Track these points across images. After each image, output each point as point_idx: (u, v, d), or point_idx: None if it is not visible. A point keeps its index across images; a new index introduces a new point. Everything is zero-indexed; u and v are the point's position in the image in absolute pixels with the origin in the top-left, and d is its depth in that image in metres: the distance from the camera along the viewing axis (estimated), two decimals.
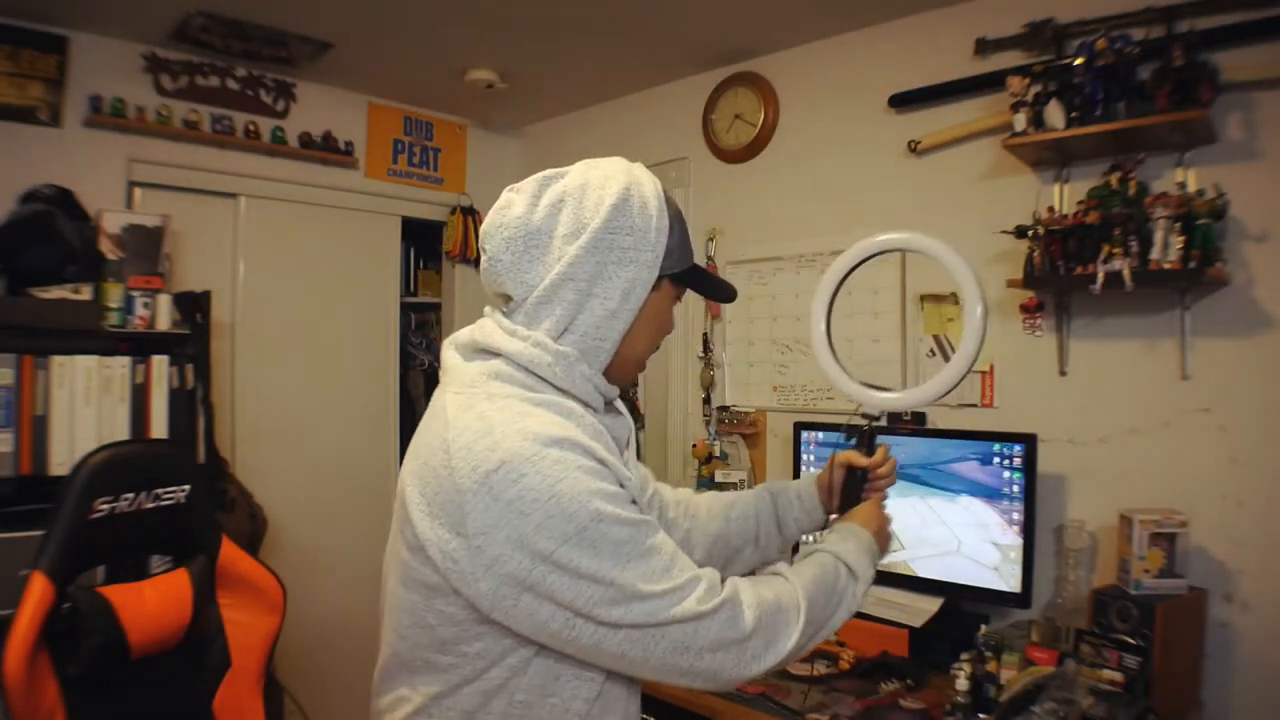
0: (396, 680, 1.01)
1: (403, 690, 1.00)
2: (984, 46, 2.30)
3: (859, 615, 2.17)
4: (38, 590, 1.34)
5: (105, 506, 1.46)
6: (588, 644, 0.91)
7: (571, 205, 0.99)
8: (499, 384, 0.96)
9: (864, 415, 1.30)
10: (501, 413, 0.92)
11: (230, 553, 1.68)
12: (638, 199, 1.00)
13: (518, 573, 0.88)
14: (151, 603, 1.50)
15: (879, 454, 1.28)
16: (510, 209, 1.00)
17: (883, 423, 1.33)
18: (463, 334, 1.04)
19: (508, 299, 1.02)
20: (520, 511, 0.87)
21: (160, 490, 1.56)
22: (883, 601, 2.19)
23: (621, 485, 0.95)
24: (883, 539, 1.19)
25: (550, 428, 0.91)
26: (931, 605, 2.12)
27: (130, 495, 1.50)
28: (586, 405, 1.01)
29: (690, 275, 1.07)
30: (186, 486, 1.61)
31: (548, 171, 1.03)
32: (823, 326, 1.41)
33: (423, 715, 0.97)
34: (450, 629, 0.94)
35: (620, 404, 1.12)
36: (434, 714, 0.97)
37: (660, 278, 1.02)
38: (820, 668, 2.05)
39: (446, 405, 0.96)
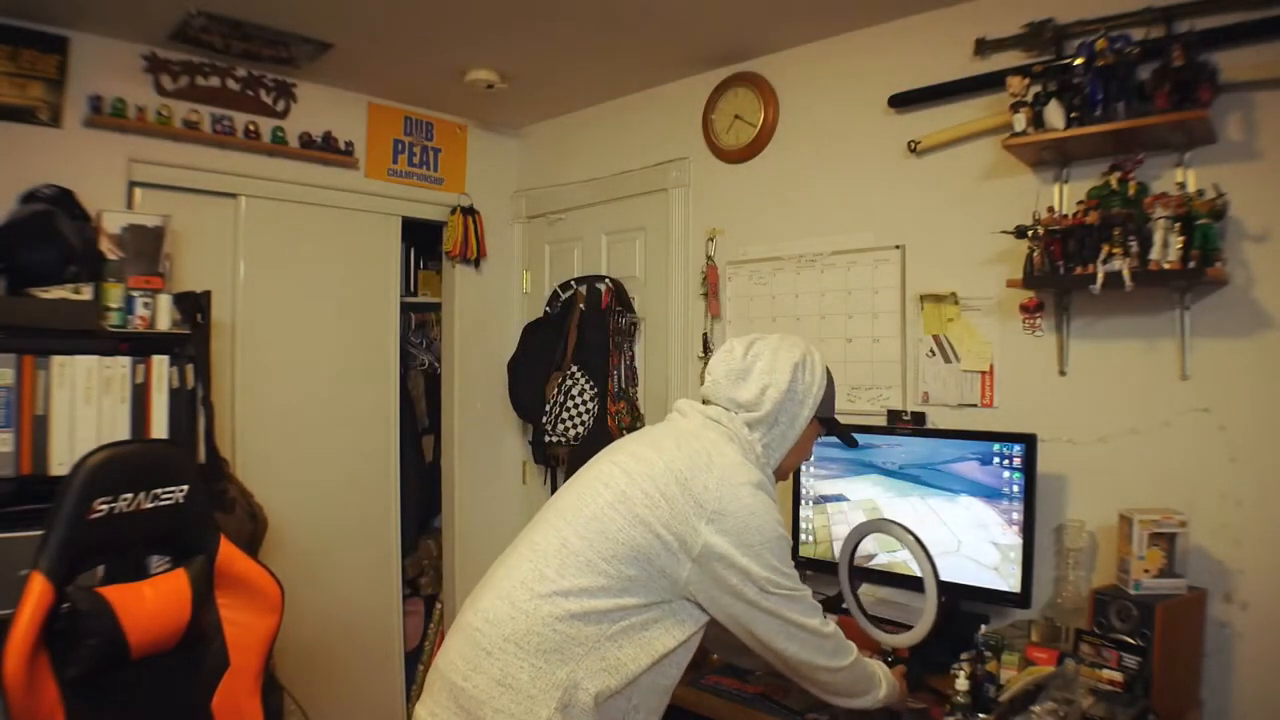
0: (549, 569, 1.34)
1: (551, 574, 1.34)
2: (984, 46, 2.30)
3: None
4: (37, 590, 1.35)
5: (104, 507, 1.46)
6: (749, 599, 1.38)
7: (766, 356, 1.52)
8: (737, 451, 1.46)
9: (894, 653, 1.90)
10: (741, 461, 1.44)
11: (229, 553, 1.68)
12: (808, 363, 1.53)
13: (720, 548, 1.35)
14: (150, 603, 1.51)
15: (898, 671, 1.78)
16: (733, 353, 1.54)
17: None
18: (704, 410, 1.52)
19: (708, 402, 1.54)
20: (751, 511, 1.37)
21: (159, 490, 1.56)
22: (883, 601, 2.19)
23: None
24: (901, 693, 1.71)
25: (768, 485, 1.46)
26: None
27: (129, 495, 1.50)
28: None
29: (830, 420, 1.60)
30: (185, 486, 1.61)
31: (753, 335, 1.57)
32: (845, 578, 1.95)
33: (559, 595, 1.31)
34: (623, 548, 1.33)
35: None
36: (570, 596, 1.31)
37: (814, 418, 1.53)
38: None
39: (707, 437, 1.45)
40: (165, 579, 1.57)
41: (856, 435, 2.35)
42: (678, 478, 1.37)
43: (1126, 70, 1.93)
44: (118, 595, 1.47)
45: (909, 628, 1.96)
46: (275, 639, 1.71)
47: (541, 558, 1.36)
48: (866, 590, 2.24)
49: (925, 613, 1.75)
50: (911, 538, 1.78)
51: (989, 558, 2.08)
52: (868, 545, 2.12)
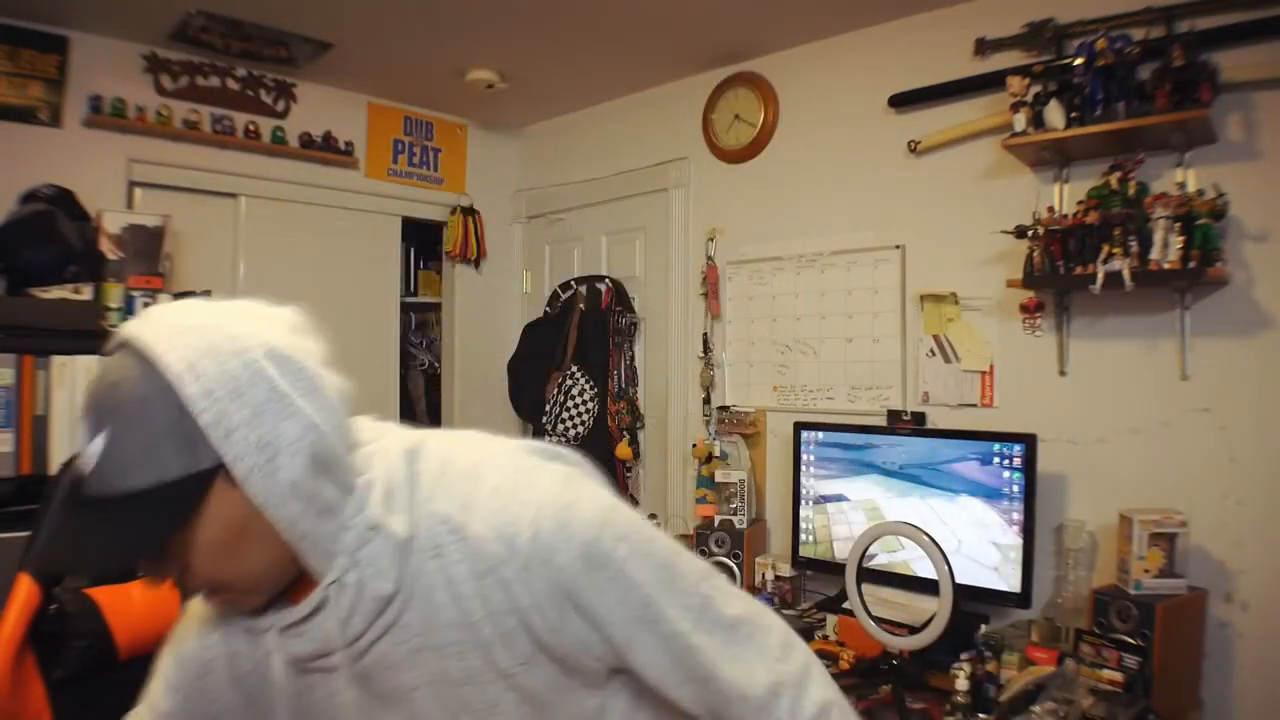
0: None
1: None
2: (984, 46, 2.30)
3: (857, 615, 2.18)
4: (24, 592, 1.33)
5: None
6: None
7: None
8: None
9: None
10: None
11: None
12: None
13: None
14: (139, 604, 1.49)
15: None
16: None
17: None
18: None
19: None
20: None
21: None
22: (883, 601, 2.19)
23: None
24: None
25: None
26: (931, 605, 2.11)
27: None
28: None
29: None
30: None
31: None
32: (853, 580, 1.94)
33: None
34: None
35: None
36: None
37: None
38: None
39: None
40: None
41: (857, 435, 2.37)
42: None
43: (1126, 70, 1.93)
44: (105, 596, 1.45)
45: (909, 628, 1.96)
46: None
47: None
48: (866, 590, 2.24)
49: (937, 618, 1.75)
50: (929, 541, 1.78)
51: (989, 558, 2.08)
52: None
